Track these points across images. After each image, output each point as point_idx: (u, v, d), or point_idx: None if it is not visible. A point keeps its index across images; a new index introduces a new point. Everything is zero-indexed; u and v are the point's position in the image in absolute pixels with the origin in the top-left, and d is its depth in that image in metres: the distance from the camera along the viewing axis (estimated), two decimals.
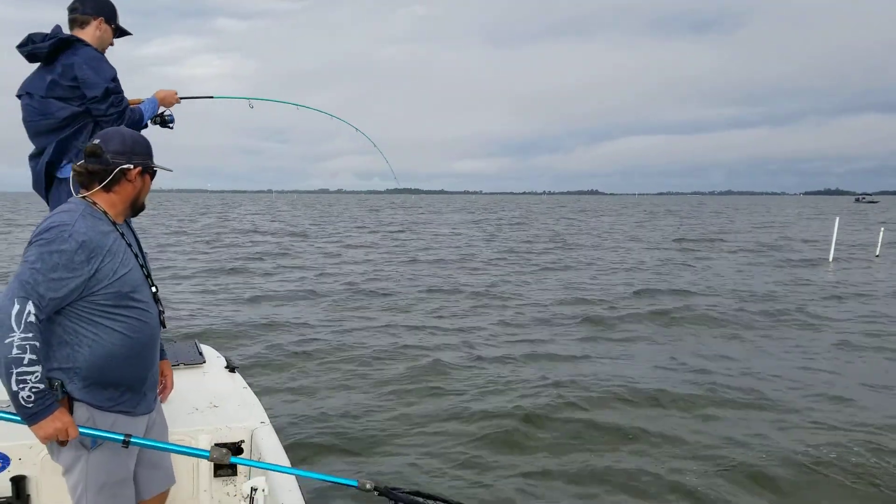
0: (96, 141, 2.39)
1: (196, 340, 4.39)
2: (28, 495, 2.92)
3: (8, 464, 2.89)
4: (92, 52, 3.41)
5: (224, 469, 3.16)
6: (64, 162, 3.40)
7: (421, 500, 2.48)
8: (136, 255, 2.47)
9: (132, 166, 2.40)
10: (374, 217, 56.54)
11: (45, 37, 3.38)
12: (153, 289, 2.52)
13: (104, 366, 2.35)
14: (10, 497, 2.89)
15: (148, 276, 2.51)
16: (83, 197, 2.42)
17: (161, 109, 3.77)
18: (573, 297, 13.61)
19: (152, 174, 2.53)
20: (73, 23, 3.50)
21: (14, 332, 2.10)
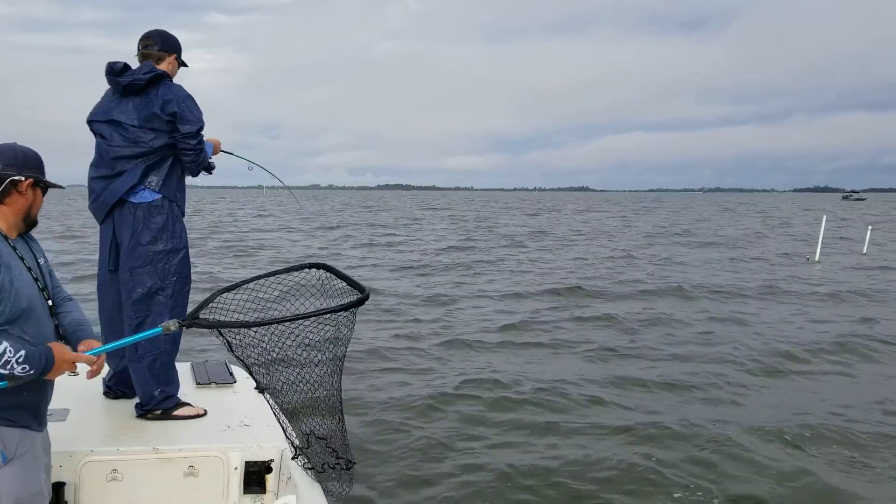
0: None
1: (226, 361, 4.49)
2: (66, 502, 3.01)
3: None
4: (184, 90, 3.68)
5: (253, 487, 3.22)
6: (141, 187, 3.59)
7: (225, 324, 2.64)
8: (30, 269, 2.48)
9: (23, 178, 2.43)
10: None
11: (124, 67, 3.65)
12: (49, 302, 2.55)
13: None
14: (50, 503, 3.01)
15: (43, 289, 2.53)
16: None
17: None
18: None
19: (44, 189, 2.55)
20: (146, 57, 3.73)
21: None
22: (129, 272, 3.59)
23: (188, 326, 2.63)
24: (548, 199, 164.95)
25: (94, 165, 3.69)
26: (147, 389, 3.57)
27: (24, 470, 2.41)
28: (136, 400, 3.68)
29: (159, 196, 3.62)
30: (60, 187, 2.64)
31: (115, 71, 3.64)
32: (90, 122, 3.71)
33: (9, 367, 2.24)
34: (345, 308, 2.62)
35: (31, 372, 2.30)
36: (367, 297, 2.65)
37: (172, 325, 2.59)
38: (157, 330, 2.61)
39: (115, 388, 3.82)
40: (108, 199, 3.61)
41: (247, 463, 3.19)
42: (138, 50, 3.75)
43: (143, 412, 3.59)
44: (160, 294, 3.60)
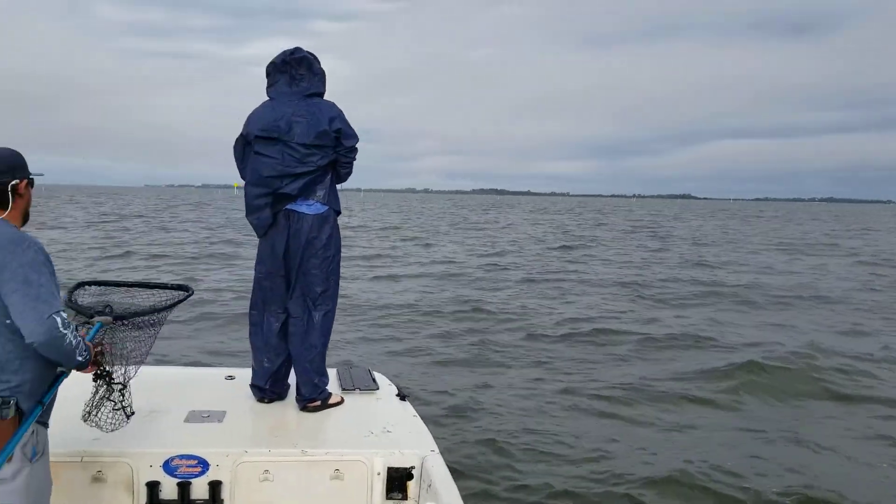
0: None
1: (369, 368, 4.72)
2: (222, 500, 3.16)
3: (207, 468, 3.13)
4: (338, 106, 3.92)
5: (395, 493, 3.30)
6: (311, 200, 3.85)
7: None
8: None
9: (18, 180, 2.49)
10: None
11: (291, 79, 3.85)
12: None
13: (39, 379, 2.46)
14: (206, 500, 3.14)
15: None
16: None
17: None
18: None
19: (32, 184, 2.59)
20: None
21: None
22: (303, 276, 3.89)
23: (124, 318, 2.85)
24: (650, 206, 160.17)
25: (255, 184, 3.85)
26: (310, 381, 3.88)
27: (43, 466, 2.56)
28: (285, 402, 4.00)
29: (326, 208, 3.90)
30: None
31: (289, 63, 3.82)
32: (256, 136, 3.80)
33: (81, 355, 2.48)
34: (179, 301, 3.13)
35: (82, 362, 2.53)
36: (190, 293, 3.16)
37: (107, 319, 2.81)
38: (98, 325, 2.78)
39: (270, 390, 3.99)
40: (266, 215, 3.85)
41: (389, 469, 3.26)
42: (289, 66, 3.86)
43: (306, 403, 3.88)
44: (327, 292, 3.95)
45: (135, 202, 76.45)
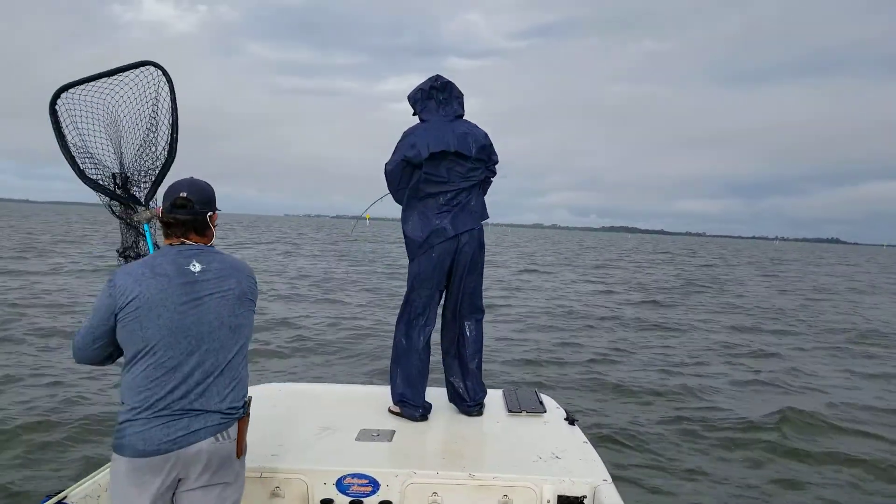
0: (183, 194, 2.52)
1: (536, 390, 4.56)
2: None
3: (378, 488, 3.09)
4: None
5: None
6: (475, 216, 4.00)
7: None
8: None
9: (212, 212, 2.59)
10: None
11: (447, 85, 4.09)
12: None
13: None
14: None
15: None
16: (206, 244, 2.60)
17: None
18: None
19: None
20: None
21: None
22: (465, 288, 4.03)
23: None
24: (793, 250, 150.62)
25: (424, 200, 3.91)
26: (480, 383, 4.08)
27: None
28: (451, 423, 3.95)
29: (481, 224, 4.05)
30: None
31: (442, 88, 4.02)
32: (431, 155, 3.82)
33: None
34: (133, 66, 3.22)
35: None
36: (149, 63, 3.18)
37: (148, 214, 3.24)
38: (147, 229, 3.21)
39: (419, 406, 3.96)
40: (458, 230, 3.89)
41: (559, 497, 3.13)
42: (437, 91, 4.02)
43: (472, 407, 4.03)
44: (482, 302, 4.13)
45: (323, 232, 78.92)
